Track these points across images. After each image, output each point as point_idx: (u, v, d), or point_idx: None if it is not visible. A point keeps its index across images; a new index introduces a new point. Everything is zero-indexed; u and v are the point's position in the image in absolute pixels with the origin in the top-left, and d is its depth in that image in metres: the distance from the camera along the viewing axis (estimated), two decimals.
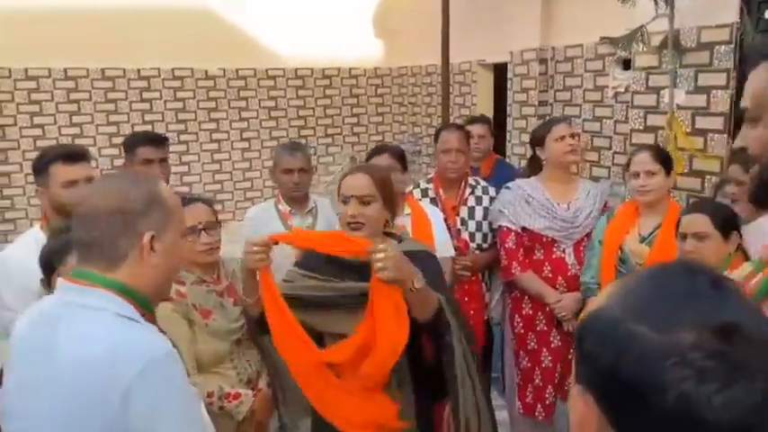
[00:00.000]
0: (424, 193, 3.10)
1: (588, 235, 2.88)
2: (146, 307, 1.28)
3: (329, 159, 7.98)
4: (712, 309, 0.63)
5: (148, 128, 7.12)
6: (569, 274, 2.84)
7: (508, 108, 6.17)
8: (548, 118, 5.64)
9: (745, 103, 1.02)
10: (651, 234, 2.62)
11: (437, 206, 3.01)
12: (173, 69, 7.18)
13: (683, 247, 2.13)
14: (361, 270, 1.82)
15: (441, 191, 3.08)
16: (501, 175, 3.53)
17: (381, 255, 1.65)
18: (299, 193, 2.83)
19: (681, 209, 2.66)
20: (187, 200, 2.18)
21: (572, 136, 2.87)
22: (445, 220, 2.97)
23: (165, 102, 7.24)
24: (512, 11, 5.82)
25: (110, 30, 6.60)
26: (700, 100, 3.82)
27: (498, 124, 6.57)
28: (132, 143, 2.91)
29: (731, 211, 2.25)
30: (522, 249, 2.89)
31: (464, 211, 3.04)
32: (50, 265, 1.85)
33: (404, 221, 2.73)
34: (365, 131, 8.32)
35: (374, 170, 2.04)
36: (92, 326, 1.19)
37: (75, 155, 2.30)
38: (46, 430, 1.17)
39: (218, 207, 7.75)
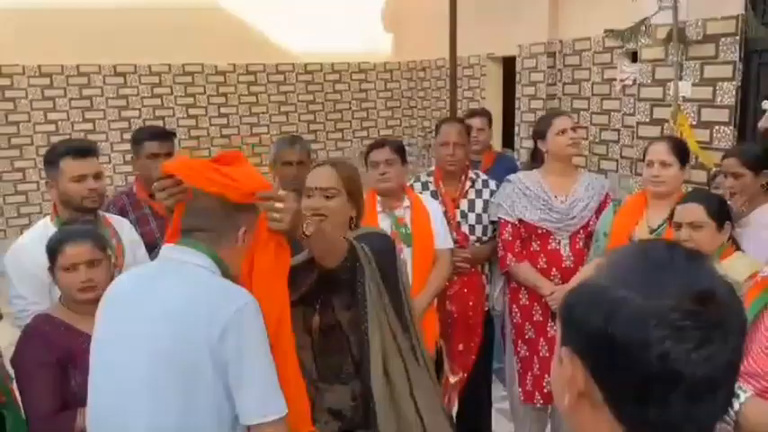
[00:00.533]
0: (425, 186, 3.13)
1: (584, 227, 2.89)
2: (226, 278, 1.53)
3: (339, 154, 8.02)
4: (689, 277, 0.70)
5: (159, 123, 7.20)
6: (564, 265, 2.87)
7: (516, 101, 6.17)
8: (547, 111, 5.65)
9: None
10: (660, 226, 2.61)
11: (437, 199, 3.03)
12: (183, 65, 7.25)
13: (678, 236, 2.14)
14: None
15: (441, 184, 3.10)
16: (501, 169, 3.54)
17: (281, 205, 1.58)
18: (297, 186, 2.87)
19: None
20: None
21: (573, 129, 2.89)
22: (445, 212, 3.00)
23: (176, 97, 7.31)
24: (520, 4, 5.81)
25: (121, 26, 6.68)
26: (705, 92, 3.82)
27: (507, 117, 6.59)
28: (139, 137, 2.98)
29: (724, 202, 2.28)
30: (518, 241, 2.92)
31: (464, 204, 3.06)
32: (51, 256, 1.93)
33: (403, 213, 2.77)
34: (374, 126, 8.35)
35: (340, 164, 2.02)
36: (194, 275, 1.48)
37: (84, 150, 2.36)
38: (161, 357, 1.41)
39: None
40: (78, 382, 1.81)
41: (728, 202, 2.41)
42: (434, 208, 2.87)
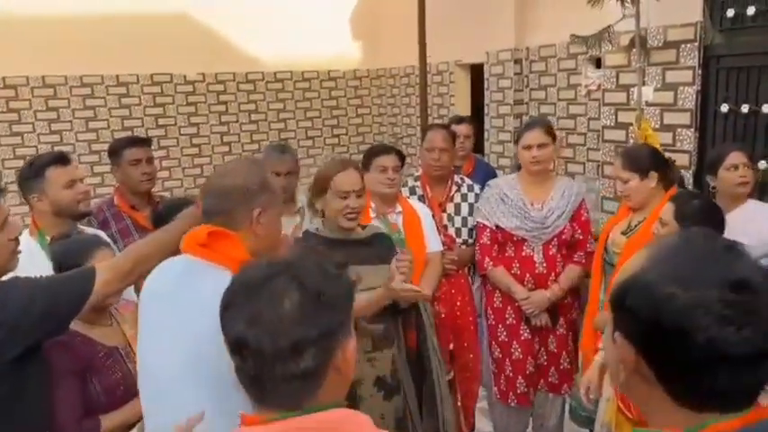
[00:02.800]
0: (412, 190, 3.20)
1: (558, 235, 2.95)
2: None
3: (310, 161, 8.04)
4: (727, 267, 0.81)
5: (128, 133, 7.12)
6: (536, 271, 2.94)
7: (485, 107, 6.29)
8: (528, 118, 5.78)
9: None
10: (635, 227, 2.74)
11: (424, 203, 3.11)
12: (151, 75, 7.19)
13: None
14: (370, 245, 2.21)
15: (428, 188, 3.18)
16: (481, 173, 3.65)
17: (407, 262, 2.06)
18: (286, 196, 2.90)
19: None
20: (186, 201, 2.25)
21: (541, 146, 2.89)
22: (432, 216, 3.08)
23: (145, 107, 7.25)
24: (486, 13, 5.95)
25: (87, 36, 6.61)
26: (667, 97, 3.97)
27: (476, 123, 6.70)
28: (117, 147, 3.00)
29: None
30: (496, 245, 3.00)
31: (450, 208, 3.15)
32: (75, 266, 1.92)
33: (396, 219, 2.83)
34: (345, 133, 8.40)
35: (356, 165, 2.25)
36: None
37: (65, 158, 2.38)
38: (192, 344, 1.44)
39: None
40: (98, 390, 1.85)
41: None
42: (425, 213, 2.96)
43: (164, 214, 2.20)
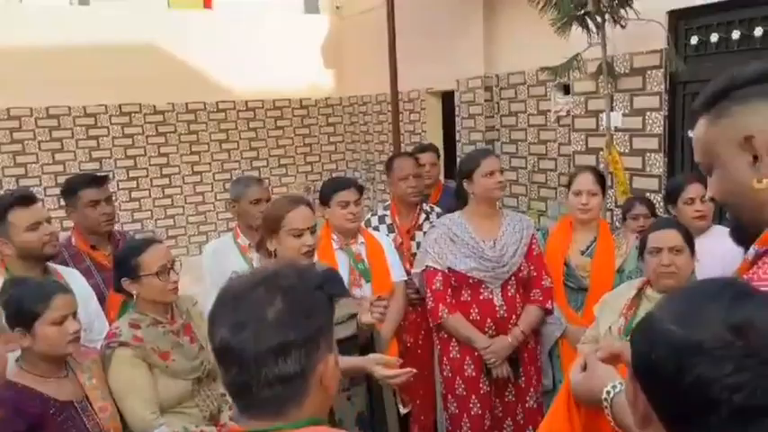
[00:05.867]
0: (382, 219, 3.18)
1: (515, 274, 2.72)
2: None
3: (283, 190, 7.99)
4: (730, 310, 0.76)
5: (96, 165, 7.01)
6: (498, 315, 2.69)
7: (457, 134, 6.34)
8: (489, 146, 5.83)
9: (696, 157, 1.14)
10: (589, 248, 2.77)
11: (395, 231, 3.09)
12: (120, 105, 7.10)
13: (660, 260, 2.15)
14: None
15: (396, 217, 3.16)
16: (448, 201, 3.62)
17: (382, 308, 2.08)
18: (258, 224, 2.85)
19: (608, 225, 2.87)
20: (147, 242, 2.18)
21: (501, 171, 2.76)
22: (401, 244, 3.04)
23: (113, 138, 7.14)
24: (456, 40, 6.02)
25: (53, 66, 6.50)
26: (636, 122, 4.04)
27: (448, 150, 6.74)
28: (73, 187, 2.78)
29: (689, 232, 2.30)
30: (449, 290, 2.72)
31: (419, 236, 3.12)
32: (31, 313, 1.81)
33: (359, 249, 2.79)
34: (318, 161, 8.38)
35: (308, 201, 2.18)
36: None
37: (28, 198, 2.27)
38: None
39: (170, 243, 7.59)
40: None
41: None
42: (386, 242, 2.91)
43: (125, 256, 2.11)
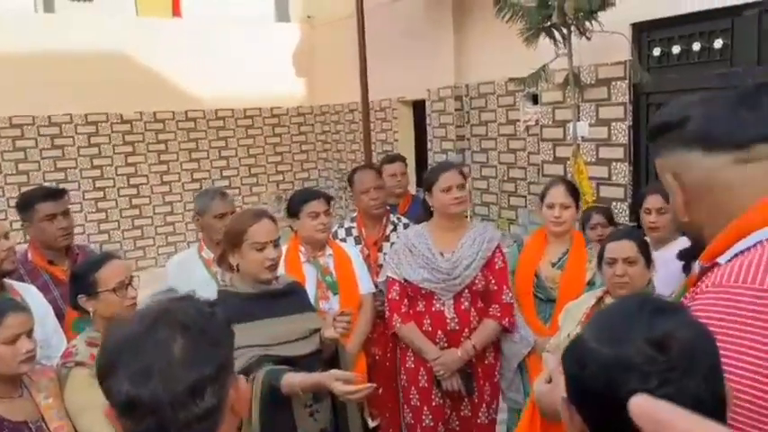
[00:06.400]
0: (348, 231, 3.15)
1: (469, 287, 2.66)
2: None
3: (254, 199, 7.92)
4: (650, 325, 0.78)
5: (61, 175, 6.87)
6: (449, 327, 2.64)
7: (428, 143, 6.36)
8: (455, 156, 5.86)
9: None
10: (561, 260, 2.77)
11: (361, 243, 3.06)
12: (86, 114, 6.97)
13: (615, 271, 2.18)
14: (286, 295, 2.11)
15: (363, 229, 3.14)
16: (417, 211, 3.61)
17: (345, 323, 2.04)
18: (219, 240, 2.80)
19: (582, 236, 2.87)
20: (105, 258, 2.12)
21: (460, 186, 2.64)
22: (368, 256, 3.01)
23: (79, 148, 7.00)
24: (427, 50, 6.05)
25: (17, 75, 6.37)
26: (601, 132, 4.10)
27: (419, 159, 6.77)
28: (29, 201, 2.67)
29: (647, 243, 2.34)
30: (406, 300, 2.72)
31: (386, 247, 3.09)
32: None
33: (327, 262, 2.76)
34: (290, 170, 8.33)
35: (271, 215, 2.14)
36: None
37: None
38: None
39: (138, 254, 7.45)
40: None
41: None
42: (354, 254, 2.88)
43: (82, 272, 2.05)
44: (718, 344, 0.81)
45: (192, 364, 0.90)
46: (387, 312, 2.74)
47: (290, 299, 2.16)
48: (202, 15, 7.70)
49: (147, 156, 7.35)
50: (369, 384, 1.88)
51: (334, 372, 1.91)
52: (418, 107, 6.68)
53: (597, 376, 0.78)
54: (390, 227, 3.16)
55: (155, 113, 7.33)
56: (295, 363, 1.96)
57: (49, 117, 6.81)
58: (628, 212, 3.96)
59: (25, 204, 2.68)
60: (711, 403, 0.79)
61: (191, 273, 2.72)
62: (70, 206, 2.87)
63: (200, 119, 7.63)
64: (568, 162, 4.22)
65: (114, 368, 0.91)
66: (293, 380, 1.85)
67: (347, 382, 1.83)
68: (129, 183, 7.29)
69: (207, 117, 7.66)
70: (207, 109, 7.62)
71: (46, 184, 6.72)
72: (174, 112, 7.43)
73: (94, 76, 6.69)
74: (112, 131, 7.14)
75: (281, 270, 2.26)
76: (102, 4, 7.44)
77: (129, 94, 6.97)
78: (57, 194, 2.74)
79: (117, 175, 7.22)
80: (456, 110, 5.92)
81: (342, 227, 3.18)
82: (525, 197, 5.42)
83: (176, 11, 7.96)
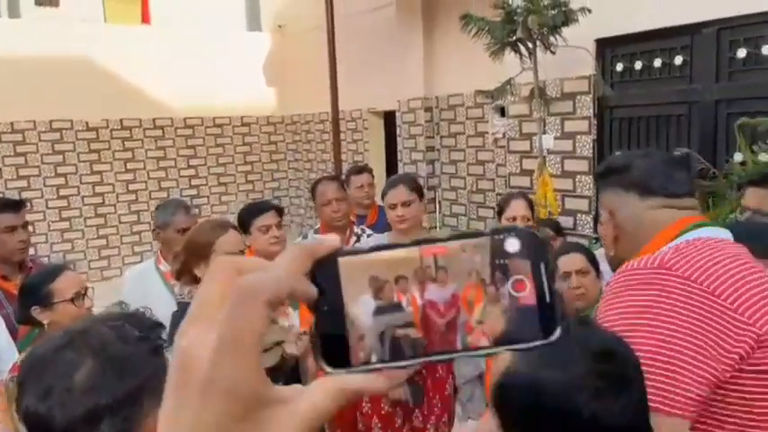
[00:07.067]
0: None
1: None
2: None
3: (223, 208, 7.83)
4: (586, 341, 0.82)
5: (24, 183, 6.70)
6: None
7: (399, 153, 6.37)
8: (434, 165, 5.89)
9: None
10: None
11: None
12: (50, 121, 6.83)
13: (569, 284, 2.18)
14: None
15: None
16: (384, 223, 3.60)
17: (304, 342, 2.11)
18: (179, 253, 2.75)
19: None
20: (59, 269, 2.07)
21: (405, 204, 2.61)
22: None
23: (42, 155, 6.85)
24: (397, 62, 6.07)
25: None
26: (567, 145, 4.15)
27: (390, 169, 6.77)
28: None
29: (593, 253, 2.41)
30: None
31: None
32: None
33: None
34: (260, 179, 8.26)
35: (236, 225, 2.20)
36: None
37: None
38: None
39: (103, 264, 7.27)
40: None
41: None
42: None
43: (36, 284, 1.99)
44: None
45: (93, 391, 0.88)
46: None
47: None
48: (172, 23, 7.62)
49: (113, 164, 7.22)
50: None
51: (297, 386, 1.89)
52: (389, 118, 6.69)
53: (558, 402, 0.78)
54: (354, 238, 3.15)
55: (122, 121, 7.21)
56: None
57: (12, 123, 6.66)
58: (592, 224, 4.00)
59: None
60: (647, 408, 0.83)
61: (148, 286, 2.66)
62: (33, 214, 2.79)
63: (169, 127, 7.53)
64: (534, 174, 4.26)
65: (25, 381, 0.92)
66: None
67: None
68: (94, 191, 7.14)
69: (175, 125, 7.56)
70: (175, 117, 7.52)
71: (7, 192, 6.57)
72: (141, 120, 7.32)
73: (60, 83, 6.56)
74: (77, 139, 7.01)
75: None
76: (70, 10, 7.30)
77: (95, 100, 6.85)
78: (17, 206, 2.66)
79: (81, 183, 7.08)
80: (426, 121, 5.94)
81: (305, 238, 3.15)
82: (494, 208, 5.44)
83: (145, 18, 7.86)
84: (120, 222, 7.31)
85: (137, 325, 0.96)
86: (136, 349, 0.93)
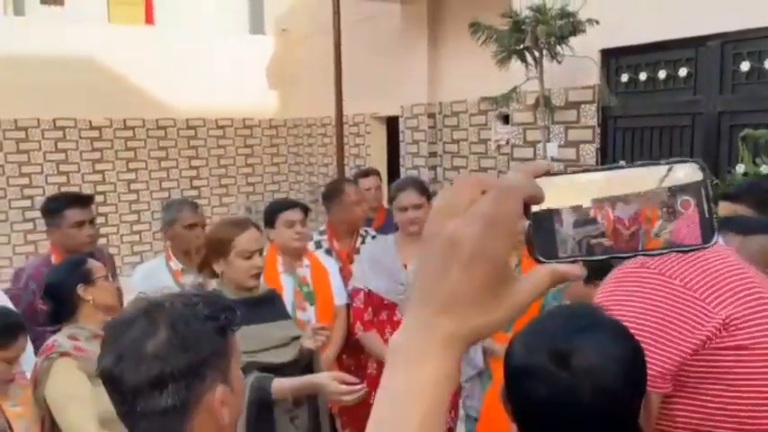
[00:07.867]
0: (318, 244, 3.15)
1: None
2: None
3: (224, 210, 7.85)
4: (554, 335, 0.90)
5: (26, 180, 6.71)
6: None
7: (401, 159, 6.40)
8: (437, 171, 5.92)
9: None
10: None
11: (332, 256, 3.07)
12: (54, 119, 6.84)
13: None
14: (266, 302, 2.12)
15: (334, 241, 3.15)
16: (392, 225, 3.63)
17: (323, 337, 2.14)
18: (200, 247, 2.78)
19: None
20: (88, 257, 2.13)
21: (416, 207, 2.64)
22: (341, 268, 3.02)
23: (45, 153, 6.86)
24: (402, 67, 6.11)
25: None
26: (570, 153, 4.19)
27: (392, 175, 6.80)
28: (58, 206, 2.61)
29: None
30: (370, 308, 2.77)
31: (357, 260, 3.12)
32: None
33: (304, 273, 2.77)
34: (260, 181, 8.28)
35: (255, 223, 2.22)
36: None
37: None
38: None
39: None
40: None
41: None
42: (331, 266, 2.90)
43: (77, 261, 2.07)
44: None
45: (157, 360, 0.97)
46: (351, 319, 2.81)
47: (269, 306, 2.20)
48: (175, 24, 7.65)
49: (114, 163, 7.23)
50: (363, 385, 1.89)
51: (330, 372, 1.93)
52: (392, 123, 6.73)
53: (518, 378, 0.91)
54: (360, 240, 3.19)
55: (125, 120, 7.23)
56: (276, 370, 1.95)
57: (16, 121, 6.67)
58: None
59: (53, 210, 2.62)
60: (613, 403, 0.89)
61: (158, 283, 2.68)
62: (34, 212, 2.83)
63: (171, 127, 7.55)
64: None
65: (106, 342, 1.03)
66: (283, 385, 1.87)
67: (341, 383, 1.85)
68: (95, 190, 7.13)
69: (178, 126, 7.59)
70: (178, 118, 7.54)
71: (9, 190, 6.58)
72: (144, 120, 7.34)
73: (64, 81, 6.57)
74: (80, 137, 7.02)
75: None
76: (74, 10, 7.33)
77: (98, 100, 6.87)
78: (86, 201, 2.71)
79: (84, 182, 7.08)
80: (429, 127, 5.98)
81: (311, 239, 3.18)
82: None
83: (149, 18, 7.90)
84: (121, 222, 7.32)
85: (210, 305, 1.04)
86: (203, 327, 1.01)
